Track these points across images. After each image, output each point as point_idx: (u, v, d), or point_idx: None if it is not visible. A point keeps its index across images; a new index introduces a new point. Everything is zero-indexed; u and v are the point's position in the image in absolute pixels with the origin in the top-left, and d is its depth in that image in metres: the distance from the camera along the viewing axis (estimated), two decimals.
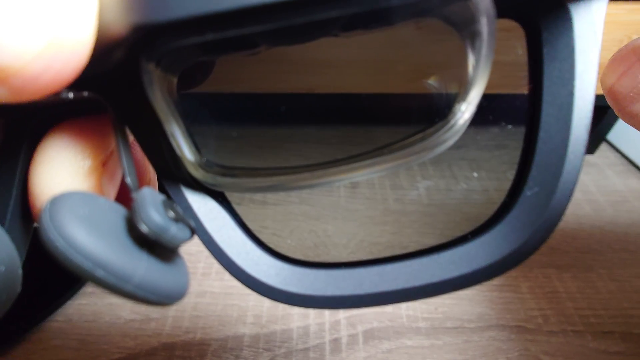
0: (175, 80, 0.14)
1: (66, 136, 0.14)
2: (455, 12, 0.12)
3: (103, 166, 0.14)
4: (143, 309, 0.29)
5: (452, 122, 0.14)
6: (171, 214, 0.11)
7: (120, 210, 0.12)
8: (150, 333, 0.27)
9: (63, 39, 0.10)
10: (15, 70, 0.10)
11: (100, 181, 0.14)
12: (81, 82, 0.12)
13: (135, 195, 0.11)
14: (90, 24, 0.11)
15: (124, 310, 0.29)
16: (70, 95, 0.13)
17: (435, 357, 0.26)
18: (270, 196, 0.24)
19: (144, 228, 0.11)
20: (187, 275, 0.12)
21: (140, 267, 0.11)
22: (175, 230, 0.11)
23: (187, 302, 0.29)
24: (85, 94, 0.13)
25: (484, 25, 0.12)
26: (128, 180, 0.12)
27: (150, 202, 0.11)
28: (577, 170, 0.14)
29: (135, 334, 0.27)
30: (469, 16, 0.12)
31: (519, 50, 0.15)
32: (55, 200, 0.10)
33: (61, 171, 0.13)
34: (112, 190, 0.15)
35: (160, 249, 0.11)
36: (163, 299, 0.11)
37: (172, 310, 0.28)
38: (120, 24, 0.10)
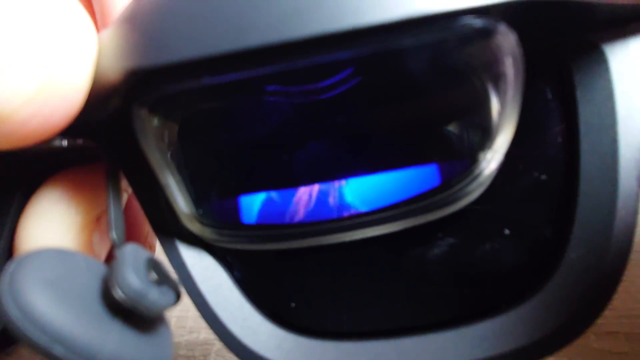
0: (176, 128, 0.13)
1: (60, 188, 0.13)
2: (476, 53, 0.11)
3: (97, 221, 0.13)
4: None
5: (476, 172, 0.12)
6: (154, 275, 0.10)
7: (100, 272, 0.10)
8: None
9: (57, 84, 0.09)
10: (5, 116, 0.09)
11: (91, 238, 0.13)
12: (76, 129, 0.11)
13: (117, 252, 0.10)
14: (87, 70, 0.10)
15: None
16: (65, 143, 0.12)
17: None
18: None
19: (117, 294, 0.09)
20: (170, 346, 0.11)
21: (109, 341, 0.09)
22: (156, 296, 0.10)
23: (191, 302, 0.29)
24: (81, 141, 0.13)
25: (509, 66, 0.10)
26: (113, 234, 0.11)
27: (130, 261, 0.10)
28: (631, 228, 0.12)
29: None
30: (492, 57, 0.11)
31: (549, 94, 0.13)
32: (21, 261, 0.09)
33: (50, 227, 0.12)
34: (104, 248, 0.14)
35: (137, 317, 0.10)
36: None
37: (176, 311, 0.28)
38: (116, 70, 0.10)
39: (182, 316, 0.28)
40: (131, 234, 0.16)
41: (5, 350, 0.26)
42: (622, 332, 0.26)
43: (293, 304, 0.14)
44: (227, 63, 0.10)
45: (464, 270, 0.13)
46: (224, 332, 0.13)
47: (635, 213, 0.12)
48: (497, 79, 0.11)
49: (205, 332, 0.27)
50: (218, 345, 0.26)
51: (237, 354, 0.13)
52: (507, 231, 0.13)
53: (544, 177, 0.13)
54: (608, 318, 0.26)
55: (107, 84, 0.10)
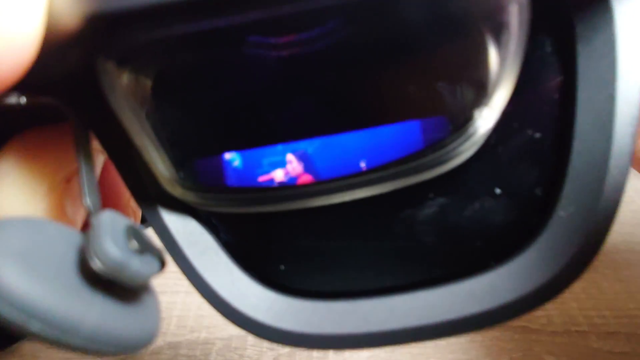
0: (148, 84, 0.12)
1: (21, 150, 0.12)
2: (478, 1, 0.10)
3: (67, 184, 0.12)
4: None
5: (471, 130, 0.12)
6: (135, 244, 0.09)
7: (76, 241, 0.10)
8: None
9: (1, 32, 0.08)
10: None
11: (62, 203, 0.12)
12: (35, 85, 0.10)
13: (92, 220, 0.09)
14: (37, 14, 0.09)
15: None
16: (23, 100, 0.11)
17: (438, 357, 0.25)
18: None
19: (96, 264, 0.09)
20: (157, 316, 0.10)
21: (90, 314, 0.08)
22: (138, 265, 0.09)
23: (192, 301, 0.29)
24: (44, 100, 0.11)
25: (513, 15, 0.09)
26: (87, 201, 0.10)
27: (108, 230, 0.09)
28: (621, 187, 0.12)
29: None
30: (496, 5, 0.10)
31: (548, 47, 0.13)
32: None
33: (13, 192, 0.11)
34: (79, 216, 0.13)
35: (120, 287, 0.09)
36: (123, 349, 0.09)
37: (177, 310, 0.28)
38: (73, 14, 0.09)
39: (183, 316, 0.28)
40: (111, 200, 0.15)
41: (6, 348, 0.25)
42: (622, 332, 0.26)
43: (282, 266, 0.14)
44: (204, 8, 0.08)
45: (454, 229, 0.13)
46: (213, 297, 0.13)
47: (626, 172, 0.12)
48: (499, 30, 0.10)
49: (206, 332, 0.27)
50: (219, 344, 0.26)
51: (227, 317, 0.13)
52: (498, 190, 0.13)
53: (538, 135, 0.13)
54: (608, 318, 0.27)
55: (64, 31, 0.09)
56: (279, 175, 0.13)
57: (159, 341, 0.27)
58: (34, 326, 0.08)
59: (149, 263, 0.10)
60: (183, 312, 0.28)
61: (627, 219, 0.35)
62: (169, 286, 0.29)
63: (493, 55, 0.11)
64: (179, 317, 0.28)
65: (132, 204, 0.16)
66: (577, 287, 0.29)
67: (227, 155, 0.13)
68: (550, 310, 0.28)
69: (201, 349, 0.26)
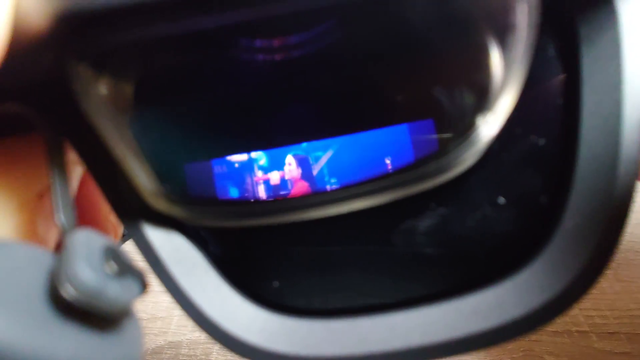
0: (129, 89, 0.11)
1: None
2: (485, 1, 0.10)
3: (39, 200, 0.11)
4: (149, 308, 0.29)
5: (472, 137, 0.11)
6: (113, 266, 0.09)
7: (47, 265, 0.09)
8: (156, 332, 0.28)
9: None
10: None
11: (34, 220, 0.11)
12: (3, 90, 0.09)
13: (65, 240, 0.09)
14: (2, 15, 0.08)
15: None
16: None
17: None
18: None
19: (68, 291, 0.08)
20: (139, 344, 0.09)
21: (62, 348, 0.07)
22: (117, 290, 0.08)
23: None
24: (12, 107, 0.10)
25: (522, 16, 0.09)
26: (61, 218, 0.10)
27: (82, 252, 0.08)
28: (630, 196, 0.11)
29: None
30: (503, 6, 0.09)
31: (550, 50, 0.12)
32: None
33: None
34: (53, 233, 0.12)
35: (97, 315, 0.08)
36: None
37: (178, 310, 0.28)
38: (42, 13, 0.08)
39: (184, 315, 0.28)
40: (90, 212, 0.14)
41: None
42: (623, 332, 0.26)
43: (276, 283, 0.13)
44: (184, 7, 0.08)
45: (456, 241, 0.13)
46: (202, 318, 0.12)
47: (635, 179, 0.11)
48: (506, 33, 0.09)
49: None
50: None
51: (217, 340, 0.12)
52: (501, 200, 0.12)
53: (542, 141, 0.12)
54: (609, 319, 0.27)
55: (32, 32, 0.08)
56: (274, 178, 0.12)
57: (160, 340, 0.27)
58: None
59: (129, 287, 0.09)
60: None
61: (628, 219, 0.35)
62: None
63: (498, 58, 0.10)
64: (179, 316, 0.28)
65: (112, 218, 0.15)
66: None
67: (217, 166, 0.12)
68: None
69: (202, 348, 0.26)
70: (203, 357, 0.26)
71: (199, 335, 0.27)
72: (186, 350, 0.26)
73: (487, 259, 0.13)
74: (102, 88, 0.10)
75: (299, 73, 0.11)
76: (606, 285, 0.29)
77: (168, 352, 0.27)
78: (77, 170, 0.14)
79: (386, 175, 0.12)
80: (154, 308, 0.29)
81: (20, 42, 0.08)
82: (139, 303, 0.29)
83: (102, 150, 0.11)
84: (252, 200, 0.12)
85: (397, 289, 0.13)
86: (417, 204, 0.13)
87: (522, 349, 0.26)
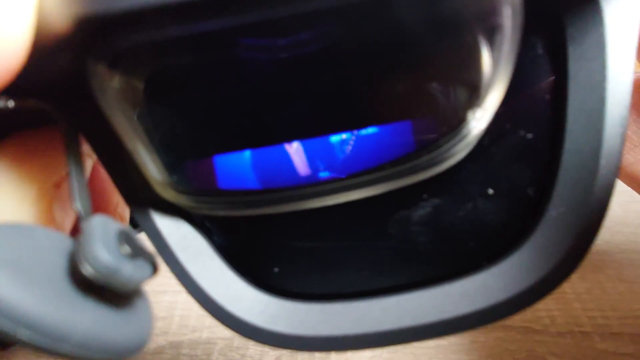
0: (140, 86, 0.12)
1: (9, 154, 0.11)
2: (471, 3, 0.10)
3: (56, 189, 0.12)
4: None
5: (464, 131, 0.12)
6: (127, 248, 0.09)
7: (66, 247, 0.10)
8: (157, 331, 0.28)
9: None
10: None
11: (51, 208, 0.12)
12: (25, 88, 0.09)
13: (83, 225, 0.09)
14: (27, 17, 0.08)
15: None
16: (11, 103, 0.11)
17: (441, 358, 0.25)
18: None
19: (87, 270, 0.08)
20: (150, 321, 0.10)
21: (82, 320, 0.08)
22: (130, 270, 0.09)
23: (194, 301, 0.30)
24: (32, 103, 0.11)
25: (507, 18, 0.10)
26: (78, 205, 0.10)
27: (99, 235, 0.09)
28: (611, 187, 0.12)
29: None
30: (489, 7, 0.10)
31: (540, 49, 0.13)
32: None
33: (0, 198, 0.11)
34: (68, 220, 0.13)
35: (112, 292, 0.09)
36: (114, 355, 0.09)
37: (179, 310, 0.29)
38: (63, 17, 0.08)
39: (184, 315, 0.28)
40: (100, 205, 0.15)
41: (6, 349, 0.25)
42: (626, 333, 0.26)
43: (276, 269, 0.14)
44: (196, 11, 0.08)
45: (447, 230, 0.13)
46: (207, 300, 0.13)
47: (616, 172, 0.12)
48: (493, 32, 0.10)
49: (208, 331, 0.27)
50: (221, 344, 0.26)
51: (221, 320, 0.13)
52: (491, 191, 0.13)
53: (530, 135, 0.13)
54: (612, 319, 0.27)
55: (54, 34, 0.09)
56: (272, 177, 0.13)
57: (161, 340, 0.27)
58: (23, 334, 0.07)
59: (141, 268, 0.09)
60: (185, 312, 0.28)
61: (631, 219, 0.34)
62: (171, 286, 0.29)
63: (486, 57, 0.11)
64: (180, 316, 0.28)
65: (120, 210, 0.15)
66: (581, 288, 0.29)
67: (221, 158, 0.13)
68: (553, 311, 0.28)
69: (203, 348, 0.26)
70: (204, 357, 0.26)
71: (200, 335, 0.27)
72: (187, 350, 0.26)
73: (476, 247, 0.13)
74: (116, 85, 0.10)
75: (298, 73, 0.12)
76: (609, 285, 0.29)
77: (169, 351, 0.26)
78: (87, 163, 0.14)
79: (381, 167, 0.12)
80: (155, 308, 0.29)
81: (42, 44, 0.09)
82: None
83: (114, 143, 0.11)
84: (251, 191, 0.13)
85: (390, 274, 0.14)
86: (411, 195, 0.13)
87: (525, 350, 0.26)
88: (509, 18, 0.10)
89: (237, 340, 0.26)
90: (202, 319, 0.28)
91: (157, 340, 0.27)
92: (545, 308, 0.28)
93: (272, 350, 0.25)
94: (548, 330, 0.27)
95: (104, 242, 0.09)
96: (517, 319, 0.27)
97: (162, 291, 0.29)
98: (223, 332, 0.27)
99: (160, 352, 0.26)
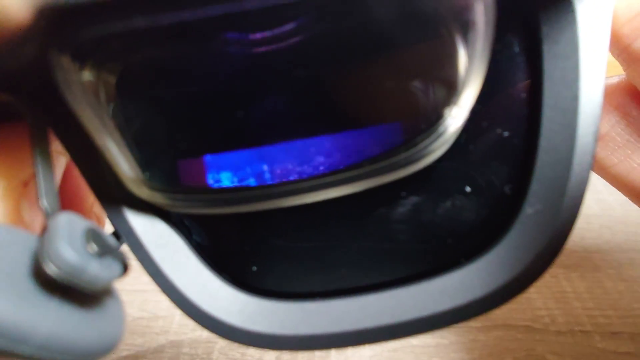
0: (112, 80, 0.12)
1: None
2: (445, 0, 0.10)
3: (25, 187, 0.12)
4: (150, 307, 0.29)
5: (440, 129, 0.12)
6: (94, 247, 0.09)
7: (29, 245, 0.09)
8: (157, 330, 0.28)
9: None
10: None
11: (19, 206, 0.11)
12: None
13: (48, 222, 0.09)
14: None
15: (132, 307, 0.29)
16: None
17: (441, 357, 0.25)
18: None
19: (50, 269, 0.08)
20: (121, 322, 0.10)
21: (45, 321, 0.08)
22: (97, 269, 0.09)
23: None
24: None
25: (479, 14, 0.10)
26: (44, 203, 0.10)
27: (64, 232, 0.09)
28: (584, 184, 0.12)
29: (143, 331, 0.28)
30: (462, 4, 0.10)
31: (515, 48, 0.13)
32: None
33: None
34: (38, 219, 0.12)
35: (78, 292, 0.09)
36: (79, 357, 0.09)
37: (179, 309, 0.28)
38: (23, 7, 0.08)
39: (171, 302, 0.28)
40: (74, 204, 0.15)
41: None
42: (626, 332, 0.26)
43: (254, 267, 0.14)
44: (161, 1, 0.08)
45: (426, 228, 0.13)
46: (182, 300, 0.13)
47: (589, 170, 0.12)
48: (466, 29, 0.10)
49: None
50: (221, 343, 0.26)
51: (197, 321, 0.13)
52: (468, 188, 0.13)
53: (506, 134, 0.13)
54: (612, 318, 0.27)
55: (14, 25, 0.08)
56: (249, 175, 0.13)
57: (162, 339, 0.27)
58: None
59: (110, 267, 0.09)
60: None
61: (631, 219, 0.34)
62: None
63: (460, 54, 0.11)
64: (181, 315, 0.27)
65: (96, 209, 0.15)
66: (581, 287, 0.29)
67: (197, 155, 0.13)
68: (553, 310, 0.28)
69: (203, 347, 0.26)
70: (204, 356, 0.26)
71: (201, 334, 0.27)
72: (187, 349, 0.26)
73: (454, 244, 0.13)
74: (84, 78, 0.10)
75: (272, 68, 0.12)
76: (609, 284, 0.29)
77: (169, 351, 0.27)
78: (61, 161, 0.14)
79: (359, 165, 0.12)
80: (155, 307, 0.29)
81: (3, 35, 0.09)
82: (140, 303, 0.29)
83: (85, 139, 0.11)
84: (226, 188, 0.12)
85: (369, 272, 0.14)
86: (389, 193, 0.13)
87: (525, 349, 0.26)
88: (482, 14, 0.10)
89: (226, 340, 0.26)
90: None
91: (158, 340, 0.27)
92: (545, 307, 0.28)
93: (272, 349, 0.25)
94: (548, 329, 0.27)
95: (69, 240, 0.09)
96: (518, 318, 0.27)
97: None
98: (211, 333, 0.27)
99: (161, 351, 0.27)
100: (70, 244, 0.08)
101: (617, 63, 0.14)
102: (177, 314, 0.28)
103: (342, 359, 0.25)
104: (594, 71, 0.12)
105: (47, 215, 0.10)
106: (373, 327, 0.13)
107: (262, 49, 0.11)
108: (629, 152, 0.14)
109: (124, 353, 0.27)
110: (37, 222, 0.12)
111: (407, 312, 0.13)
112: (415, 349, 0.25)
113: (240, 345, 0.13)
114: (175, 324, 0.28)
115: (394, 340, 0.13)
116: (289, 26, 0.11)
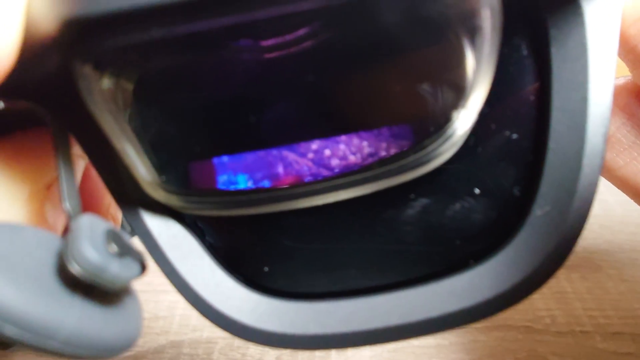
0: (129, 88, 0.12)
1: (0, 156, 0.12)
2: (451, 5, 0.10)
3: (48, 190, 0.12)
4: (151, 307, 0.29)
5: (449, 132, 0.12)
6: (114, 247, 0.09)
7: (55, 246, 0.10)
8: (158, 331, 0.28)
9: None
10: None
11: (43, 209, 0.12)
12: (14, 89, 0.10)
13: (71, 224, 0.09)
14: (16, 21, 0.09)
15: None
16: (1, 105, 0.11)
17: (442, 357, 0.25)
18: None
19: (74, 268, 0.09)
20: (138, 319, 0.10)
21: (69, 317, 0.08)
22: (118, 269, 0.09)
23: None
24: (22, 104, 0.11)
25: (486, 20, 0.10)
26: (67, 206, 0.10)
27: (86, 234, 0.09)
28: (593, 186, 0.12)
29: (143, 331, 0.28)
30: (468, 9, 0.10)
31: (523, 50, 0.13)
32: None
33: None
34: (60, 221, 0.13)
35: (100, 291, 0.09)
36: (101, 352, 0.09)
37: (179, 309, 0.29)
38: (50, 20, 0.09)
39: (185, 314, 0.28)
40: (91, 205, 0.15)
41: (6, 349, 0.25)
42: (627, 332, 0.26)
43: (266, 268, 0.14)
44: (180, 12, 0.08)
45: (435, 229, 0.14)
46: (196, 299, 0.13)
47: (599, 171, 0.12)
48: (474, 33, 0.10)
49: (208, 331, 0.27)
50: (222, 343, 0.26)
51: (211, 320, 0.13)
52: (477, 190, 0.13)
53: (515, 136, 0.13)
54: (613, 318, 0.27)
55: (42, 36, 0.09)
56: (261, 177, 0.13)
57: (162, 340, 0.27)
58: (9, 330, 0.08)
59: (129, 266, 0.10)
60: (185, 311, 0.28)
61: (632, 219, 0.34)
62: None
63: (468, 57, 0.11)
64: (181, 315, 0.28)
65: (112, 210, 0.16)
66: (582, 287, 0.29)
67: (211, 159, 0.13)
68: (554, 311, 0.28)
69: (204, 347, 0.26)
70: (205, 356, 0.26)
71: (201, 335, 0.27)
72: (188, 350, 0.26)
73: (463, 245, 0.13)
74: (104, 86, 0.10)
75: (284, 74, 0.12)
76: (610, 285, 0.29)
77: (170, 351, 0.26)
78: (80, 164, 0.15)
79: (369, 167, 0.13)
80: (156, 307, 0.29)
81: (30, 46, 0.09)
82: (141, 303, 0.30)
83: (104, 144, 0.12)
84: (240, 191, 0.13)
85: (379, 273, 0.14)
86: (399, 195, 0.13)
87: (525, 349, 0.26)
88: (489, 18, 0.10)
89: (238, 339, 0.26)
90: (203, 319, 0.28)
91: (158, 340, 0.27)
92: (546, 308, 0.28)
93: (273, 349, 0.25)
94: (549, 330, 0.27)
95: (91, 241, 0.09)
96: (518, 319, 0.27)
97: (163, 290, 0.29)
98: (223, 332, 0.27)
99: (161, 351, 0.26)
100: (92, 244, 0.09)
101: (622, 64, 0.14)
102: (178, 315, 0.28)
103: (342, 359, 0.25)
104: (603, 73, 0.12)
105: (70, 217, 0.10)
106: (382, 327, 0.13)
107: (274, 54, 0.12)
108: (635, 154, 0.14)
109: (125, 353, 0.27)
110: (60, 223, 0.13)
111: (416, 313, 0.13)
112: (416, 349, 0.25)
113: (246, 343, 0.13)
114: (175, 325, 0.28)
115: (403, 340, 0.13)
116: (299, 33, 0.11)
